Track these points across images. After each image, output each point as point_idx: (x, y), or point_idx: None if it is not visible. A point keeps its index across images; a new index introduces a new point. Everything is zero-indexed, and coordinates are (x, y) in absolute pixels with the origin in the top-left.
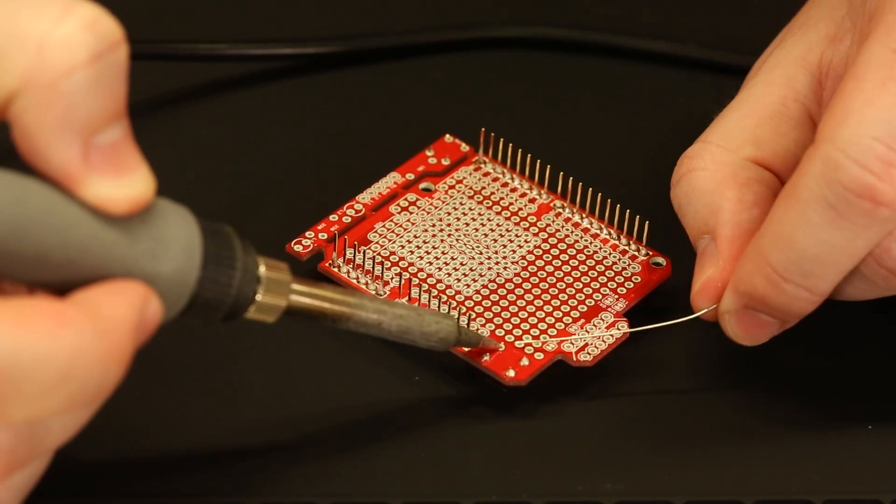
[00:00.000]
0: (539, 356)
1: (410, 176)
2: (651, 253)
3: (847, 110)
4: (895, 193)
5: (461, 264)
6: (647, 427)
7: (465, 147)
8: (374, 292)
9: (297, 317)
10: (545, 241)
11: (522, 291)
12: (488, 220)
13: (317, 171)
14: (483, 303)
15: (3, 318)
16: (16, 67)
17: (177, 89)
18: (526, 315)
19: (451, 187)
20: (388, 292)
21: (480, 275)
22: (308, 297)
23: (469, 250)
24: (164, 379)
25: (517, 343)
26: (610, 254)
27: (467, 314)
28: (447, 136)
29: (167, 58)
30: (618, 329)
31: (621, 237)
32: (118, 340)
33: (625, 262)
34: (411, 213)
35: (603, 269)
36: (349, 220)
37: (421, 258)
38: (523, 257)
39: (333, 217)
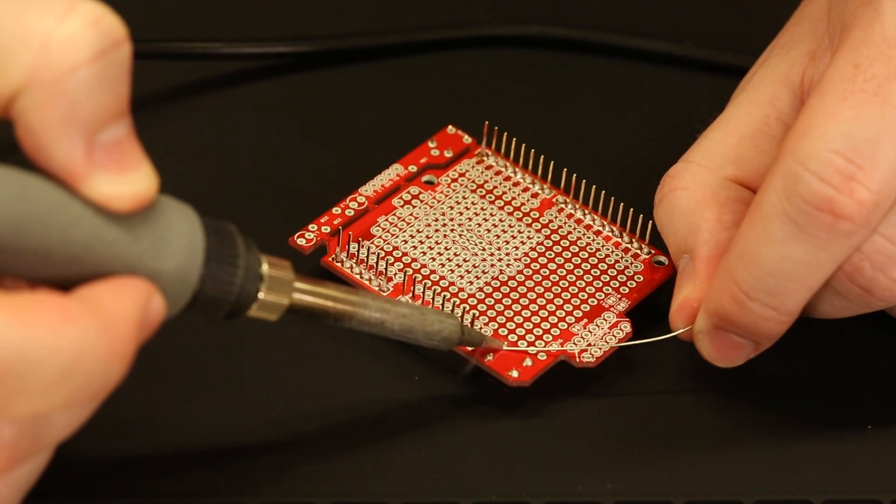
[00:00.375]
0: (542, 357)
1: (413, 168)
2: (653, 251)
3: (809, 124)
4: (855, 207)
5: (464, 261)
6: (647, 427)
7: (467, 139)
8: (377, 289)
9: (300, 315)
10: (548, 237)
11: (525, 290)
12: (491, 214)
13: (319, 163)
14: (486, 301)
15: (8, 312)
16: (20, 64)
17: (178, 86)
18: (529, 314)
19: (454, 180)
20: (391, 289)
21: (483, 272)
22: (311, 296)
23: (472, 246)
24: (165, 377)
25: (520, 343)
26: (612, 252)
27: (470, 312)
28: (450, 127)
29: (167, 57)
30: (620, 330)
31: (623, 234)
32: (121, 337)
33: (627, 261)
34: (414, 206)
35: (605, 267)
36: (352, 212)
37: (424, 254)
38: (526, 254)
39: (336, 210)
